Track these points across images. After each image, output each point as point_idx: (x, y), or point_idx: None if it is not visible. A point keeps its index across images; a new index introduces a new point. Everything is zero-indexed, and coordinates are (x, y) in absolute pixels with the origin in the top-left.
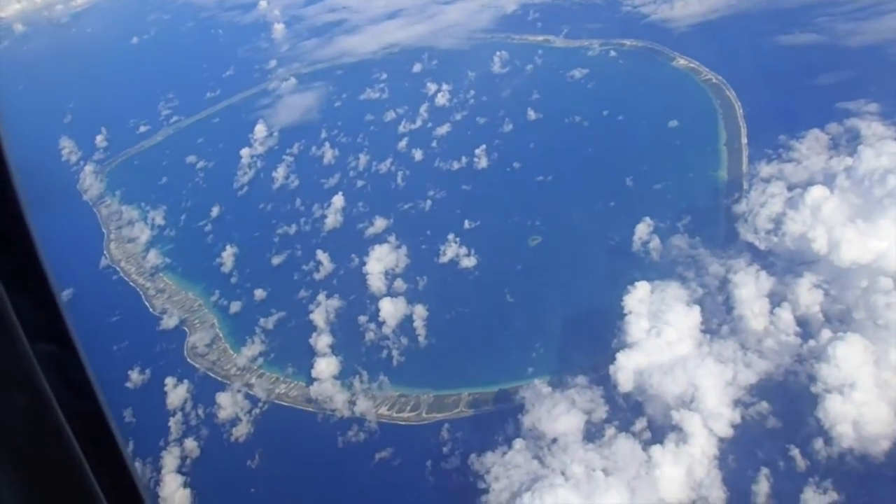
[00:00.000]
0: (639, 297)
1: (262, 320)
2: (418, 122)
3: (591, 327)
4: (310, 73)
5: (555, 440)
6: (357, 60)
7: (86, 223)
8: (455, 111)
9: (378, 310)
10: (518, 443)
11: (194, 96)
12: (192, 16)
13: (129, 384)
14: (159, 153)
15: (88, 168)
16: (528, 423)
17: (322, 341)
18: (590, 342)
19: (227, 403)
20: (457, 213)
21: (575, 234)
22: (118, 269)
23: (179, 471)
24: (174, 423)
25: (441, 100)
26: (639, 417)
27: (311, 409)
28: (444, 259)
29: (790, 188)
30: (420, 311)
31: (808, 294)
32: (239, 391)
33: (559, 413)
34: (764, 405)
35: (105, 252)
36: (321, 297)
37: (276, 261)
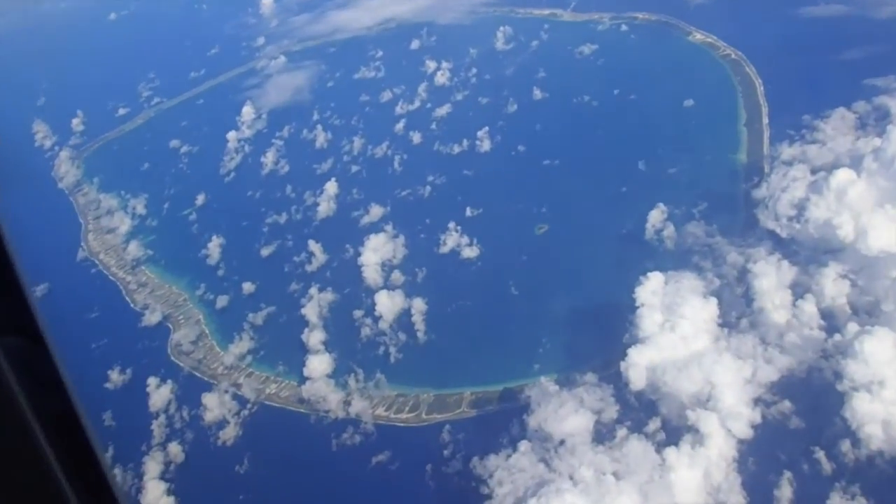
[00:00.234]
0: (652, 288)
1: (250, 315)
2: (416, 103)
3: (601, 321)
4: (301, 51)
5: (562, 442)
6: (351, 37)
7: (61, 213)
8: (456, 91)
9: (374, 304)
10: (523, 445)
11: (177, 76)
12: None
13: (108, 385)
14: (140, 137)
15: (64, 154)
16: (534, 424)
17: (315, 337)
18: (599, 337)
19: (214, 405)
20: (458, 200)
21: (584, 222)
22: (97, 261)
23: (163, 477)
24: (157, 426)
25: (441, 79)
26: (652, 417)
27: (303, 411)
28: (444, 249)
29: (814, 171)
30: (419, 305)
31: (833, 285)
32: (226, 391)
33: (567, 413)
34: (786, 404)
35: (82, 244)
36: (313, 290)
37: (265, 252)
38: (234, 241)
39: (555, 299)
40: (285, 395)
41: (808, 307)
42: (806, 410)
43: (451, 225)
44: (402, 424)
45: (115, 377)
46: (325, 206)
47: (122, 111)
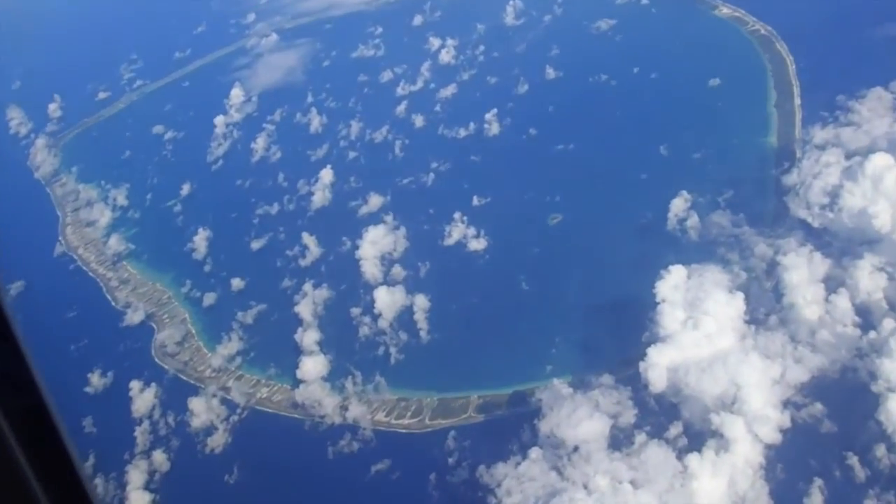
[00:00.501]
0: (673, 283)
1: (240, 314)
2: (419, 84)
3: (619, 319)
4: (293, 28)
5: (576, 448)
6: (348, 12)
7: (38, 205)
8: (462, 70)
9: (373, 301)
10: (534, 452)
11: (161, 57)
12: None
13: (88, 389)
14: (121, 123)
15: (40, 142)
16: (546, 430)
17: (309, 337)
18: (617, 336)
19: (201, 410)
20: (464, 189)
21: (600, 212)
22: (75, 256)
23: (147, 487)
24: (140, 433)
25: (446, 57)
26: (673, 422)
27: (296, 416)
28: (449, 241)
29: (849, 156)
30: (421, 302)
31: (869, 278)
32: (214, 396)
33: (581, 417)
34: (817, 407)
35: (60, 238)
36: (308, 286)
37: (255, 245)
38: (223, 234)
39: (569, 295)
40: (277, 399)
41: (842, 302)
42: (839, 413)
43: (457, 215)
44: (403, 431)
45: (96, 381)
46: (320, 196)
47: (102, 95)
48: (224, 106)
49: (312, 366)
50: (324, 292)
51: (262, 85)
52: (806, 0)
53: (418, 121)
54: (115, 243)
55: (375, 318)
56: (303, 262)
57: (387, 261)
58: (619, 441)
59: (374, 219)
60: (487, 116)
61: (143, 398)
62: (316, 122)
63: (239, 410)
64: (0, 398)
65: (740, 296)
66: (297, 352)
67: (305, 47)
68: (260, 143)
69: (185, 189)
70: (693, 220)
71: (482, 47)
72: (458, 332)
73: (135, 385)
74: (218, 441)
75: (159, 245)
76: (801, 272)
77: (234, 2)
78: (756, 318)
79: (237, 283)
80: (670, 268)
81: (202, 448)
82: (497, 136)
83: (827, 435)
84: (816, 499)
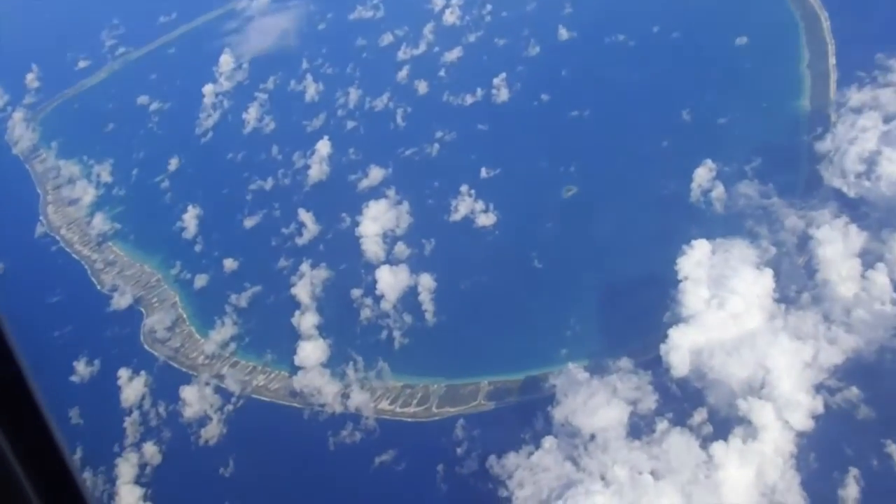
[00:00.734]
0: (697, 259)
1: (233, 297)
2: (422, 47)
3: (638, 298)
4: None
5: (593, 437)
6: None
7: (16, 182)
8: (468, 31)
9: (375, 281)
10: (548, 441)
11: (144, 22)
12: None
13: (74, 378)
14: (103, 94)
15: (17, 115)
16: (561, 417)
17: (307, 321)
18: (636, 317)
19: (194, 399)
20: (471, 160)
21: (618, 183)
22: (57, 237)
23: (137, 481)
24: (130, 424)
25: (450, 17)
26: (697, 408)
27: (295, 405)
28: (455, 217)
29: (887, 120)
30: (427, 282)
31: None
32: (207, 384)
33: (598, 404)
34: (853, 391)
35: (41, 217)
36: (305, 266)
37: (249, 223)
38: (214, 212)
39: (584, 273)
40: (275, 387)
41: (880, 278)
42: (876, 398)
43: (464, 188)
44: (408, 420)
45: (82, 369)
46: (317, 169)
47: (82, 64)
48: (213, 74)
49: (311, 351)
50: (322, 272)
51: (253, 50)
52: None
53: (421, 87)
54: (100, 223)
55: (378, 299)
56: (299, 241)
57: (389, 238)
58: (638, 429)
59: (376, 193)
60: (496, 81)
61: (132, 387)
62: (312, 89)
63: (234, 399)
64: None
65: (769, 272)
66: (295, 336)
67: (299, 9)
68: (252, 114)
69: (173, 164)
70: (718, 191)
71: (489, 7)
72: (466, 314)
73: (123, 373)
74: (212, 432)
75: (147, 224)
76: (836, 246)
77: None
78: (786, 296)
79: (230, 263)
80: (693, 243)
81: (195, 440)
82: (506, 102)
83: (863, 421)
84: (852, 490)
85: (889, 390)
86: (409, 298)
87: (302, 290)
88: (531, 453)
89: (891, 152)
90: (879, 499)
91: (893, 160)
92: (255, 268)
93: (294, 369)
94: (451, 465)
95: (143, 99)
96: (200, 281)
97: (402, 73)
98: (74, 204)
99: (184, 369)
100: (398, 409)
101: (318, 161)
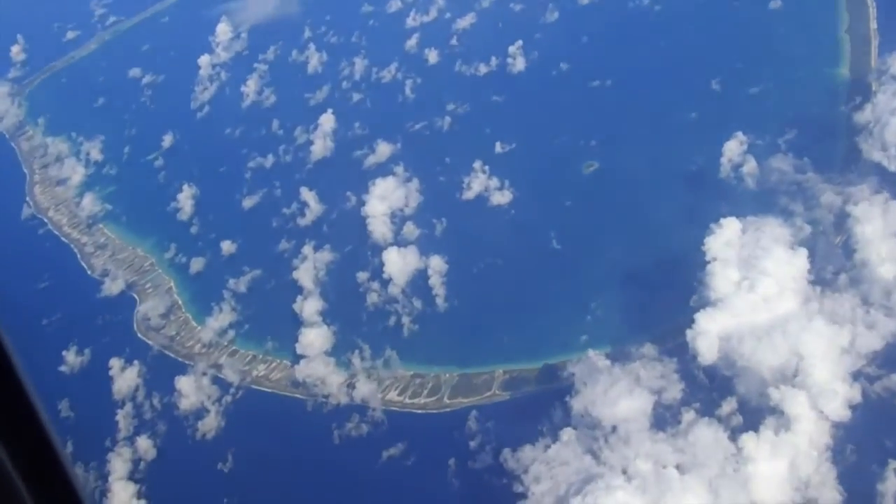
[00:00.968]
0: (726, 238)
1: (231, 282)
2: (432, 13)
3: (663, 280)
4: None
5: (614, 429)
6: None
7: (1, 161)
8: None
9: (382, 264)
10: (566, 433)
11: None
12: None
13: (63, 368)
14: (93, 66)
15: (2, 90)
16: (580, 408)
17: (310, 307)
18: (661, 300)
19: (190, 390)
20: (485, 134)
21: (642, 158)
22: (45, 219)
23: (131, 477)
24: (123, 417)
25: None
26: (726, 398)
27: (298, 396)
28: (468, 195)
29: None
30: (437, 265)
31: None
32: (205, 374)
33: (620, 394)
34: (893, 379)
35: (28, 198)
36: (308, 249)
37: (248, 203)
38: (210, 191)
39: (606, 254)
40: (276, 377)
41: None
42: None
43: (477, 164)
44: (418, 411)
45: (72, 359)
46: (321, 145)
47: (70, 35)
48: (209, 44)
49: (314, 339)
50: (326, 255)
51: (252, 19)
52: None
53: (432, 56)
54: (90, 204)
55: (385, 283)
56: (302, 222)
57: (397, 218)
58: (663, 420)
59: (383, 170)
60: (511, 50)
61: (124, 378)
62: (315, 60)
63: (232, 390)
64: None
65: (804, 252)
66: (297, 323)
67: None
68: (251, 86)
69: (168, 140)
70: (750, 166)
71: None
72: (479, 299)
73: (115, 363)
74: (210, 425)
75: (139, 205)
76: (875, 224)
77: None
78: (822, 278)
79: (228, 246)
80: (723, 221)
81: (192, 433)
82: (522, 72)
83: None
84: (892, 483)
85: None
86: (419, 282)
87: (304, 274)
88: (548, 446)
89: None
90: None
91: None
92: (254, 250)
93: (296, 358)
94: (464, 460)
95: (135, 71)
96: (197, 265)
97: (412, 42)
98: (63, 184)
99: (179, 359)
100: (407, 400)
101: (322, 136)
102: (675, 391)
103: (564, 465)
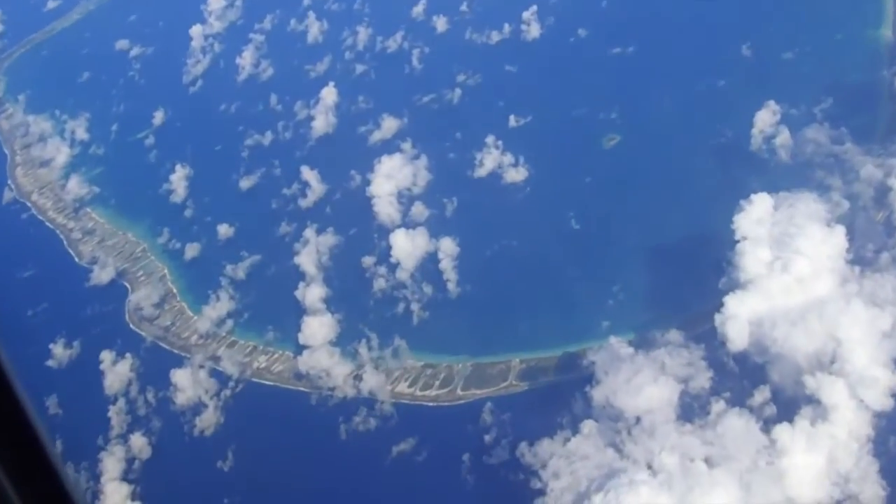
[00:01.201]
0: (757, 215)
1: (229, 268)
2: None
3: (690, 262)
4: None
5: (638, 420)
6: None
7: None
8: None
9: (390, 247)
10: (587, 425)
11: None
12: None
13: (50, 362)
14: (77, 38)
15: None
16: (601, 399)
17: (313, 294)
18: (688, 283)
19: (187, 384)
20: (498, 107)
21: (667, 130)
22: (28, 203)
23: (125, 477)
24: (115, 414)
25: None
26: (758, 386)
27: (301, 389)
28: (481, 172)
29: None
30: (448, 247)
31: None
32: (202, 367)
33: (644, 383)
34: None
35: (9, 181)
36: (310, 231)
37: (245, 184)
38: (205, 172)
39: (628, 235)
40: (278, 369)
41: None
42: None
43: (490, 139)
44: (430, 404)
45: (60, 352)
46: (322, 121)
47: (52, 4)
48: (202, 13)
49: (318, 328)
50: (329, 238)
51: None
52: None
53: (440, 24)
54: (76, 186)
55: (393, 268)
56: (303, 203)
57: (405, 198)
58: (690, 410)
59: (389, 147)
60: (525, 15)
61: (116, 372)
62: (315, 29)
63: (232, 384)
64: None
65: (841, 230)
66: (300, 311)
67: None
68: (247, 58)
69: (158, 117)
70: (783, 137)
71: None
72: (493, 283)
73: (106, 356)
74: (208, 421)
75: (129, 187)
76: None
77: None
78: (861, 258)
79: (225, 230)
80: (753, 197)
81: (189, 429)
82: (537, 39)
83: None
84: None
85: None
86: (429, 266)
87: (307, 259)
88: (568, 439)
89: None
90: None
91: None
92: (253, 234)
93: (299, 349)
94: (479, 455)
95: (122, 43)
96: (192, 250)
97: (418, 9)
98: (46, 165)
99: (175, 350)
100: (418, 392)
101: (324, 111)
102: (702, 380)
103: (585, 459)
